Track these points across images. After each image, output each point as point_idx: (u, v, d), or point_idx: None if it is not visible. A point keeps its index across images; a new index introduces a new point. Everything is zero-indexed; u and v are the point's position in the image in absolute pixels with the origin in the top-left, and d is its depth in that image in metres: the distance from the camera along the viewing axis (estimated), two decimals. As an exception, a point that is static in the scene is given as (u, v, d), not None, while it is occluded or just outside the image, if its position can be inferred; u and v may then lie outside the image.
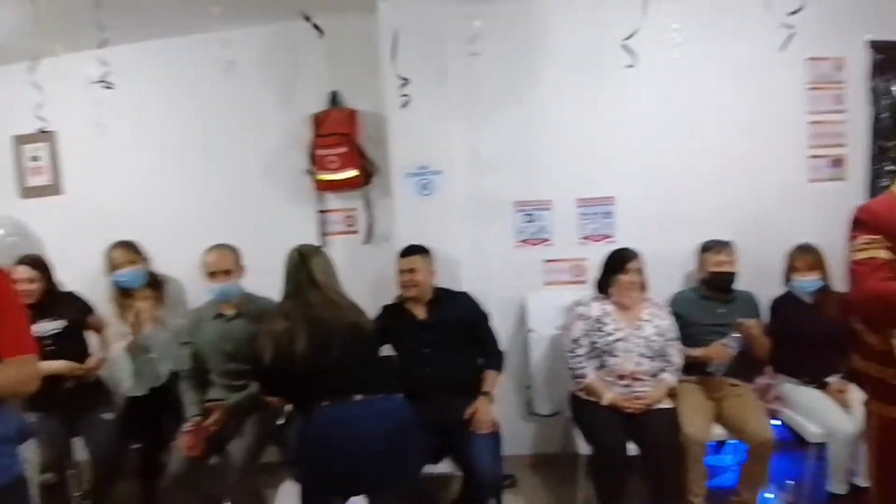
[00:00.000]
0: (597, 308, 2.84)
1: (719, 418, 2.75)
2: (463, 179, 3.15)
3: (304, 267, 2.38)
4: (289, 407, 2.61)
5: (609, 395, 2.71)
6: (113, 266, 3.04)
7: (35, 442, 2.71)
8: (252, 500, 2.67)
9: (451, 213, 3.16)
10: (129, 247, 3.08)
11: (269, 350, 2.23)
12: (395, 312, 2.89)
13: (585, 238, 3.32)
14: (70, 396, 2.92)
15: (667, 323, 2.81)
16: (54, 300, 3.04)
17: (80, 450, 3.01)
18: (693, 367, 2.83)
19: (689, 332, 2.87)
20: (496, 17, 3.16)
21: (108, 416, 2.99)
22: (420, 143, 3.08)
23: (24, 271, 2.96)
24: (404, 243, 3.09)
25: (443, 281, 2.96)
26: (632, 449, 2.63)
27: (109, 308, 3.09)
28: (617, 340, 2.75)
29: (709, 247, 2.99)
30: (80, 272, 3.42)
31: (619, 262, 2.82)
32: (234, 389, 2.81)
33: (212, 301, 2.89)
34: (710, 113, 3.19)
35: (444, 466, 2.74)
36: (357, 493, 2.27)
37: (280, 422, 2.74)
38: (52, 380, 2.84)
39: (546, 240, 3.36)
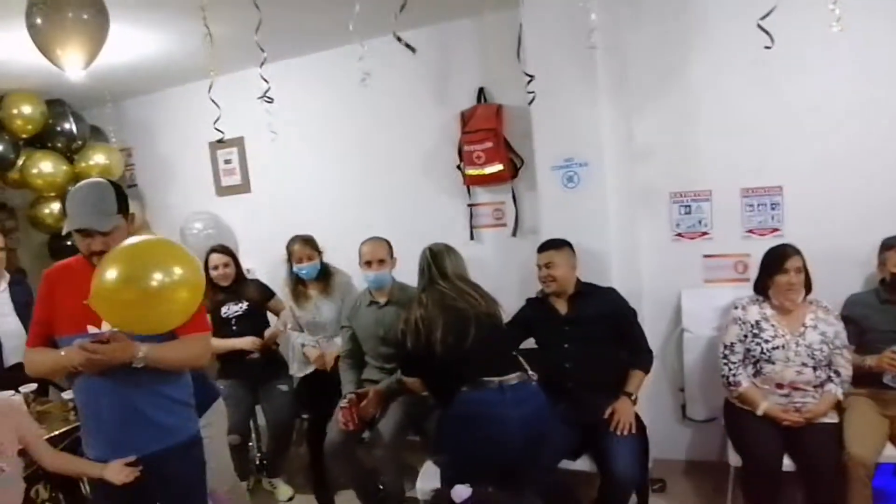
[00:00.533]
0: (754, 311, 2.73)
1: (893, 437, 2.51)
2: (611, 170, 3.14)
3: (436, 263, 2.67)
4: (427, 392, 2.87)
5: (765, 405, 2.61)
6: (293, 258, 3.51)
7: (225, 406, 3.30)
8: (399, 473, 3.00)
9: (599, 206, 3.16)
10: (307, 242, 3.53)
11: (410, 336, 2.52)
12: (537, 306, 3.01)
13: (750, 231, 3.17)
14: (254, 367, 3.51)
15: (834, 329, 2.62)
16: (240, 285, 3.63)
17: (260, 417, 3.59)
18: (865, 378, 2.62)
19: (866, 339, 2.66)
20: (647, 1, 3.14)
21: (284, 387, 3.54)
22: (565, 134, 3.13)
23: (218, 258, 3.58)
24: (550, 236, 3.20)
25: (591, 276, 3.01)
26: (787, 464, 2.52)
27: (285, 293, 3.60)
28: (775, 348, 2.63)
29: (891, 244, 2.70)
30: (264, 259, 4.04)
31: (776, 260, 2.67)
32: (386, 371, 3.17)
33: (367, 289, 3.25)
34: (890, 92, 2.86)
35: (584, 464, 2.84)
36: (495, 479, 2.45)
37: (421, 410, 3.03)
38: (239, 353, 3.44)
39: (705, 233, 3.27)
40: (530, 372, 2.54)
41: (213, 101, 2.84)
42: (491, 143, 3.45)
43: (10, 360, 3.20)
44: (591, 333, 2.82)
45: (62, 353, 2.00)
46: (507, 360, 2.52)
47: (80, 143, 4.30)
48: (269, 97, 2.69)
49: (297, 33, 3.57)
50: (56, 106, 4.20)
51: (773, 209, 3.09)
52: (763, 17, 2.06)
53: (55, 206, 4.24)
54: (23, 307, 3.21)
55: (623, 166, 3.23)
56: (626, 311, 2.89)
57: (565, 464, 2.94)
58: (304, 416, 3.59)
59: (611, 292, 2.93)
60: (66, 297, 2.09)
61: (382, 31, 3.67)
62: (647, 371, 2.86)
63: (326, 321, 3.50)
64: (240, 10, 2.49)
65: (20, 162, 4.08)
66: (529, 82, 2.59)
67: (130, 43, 3.38)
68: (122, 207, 2.09)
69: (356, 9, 2.34)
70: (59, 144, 4.20)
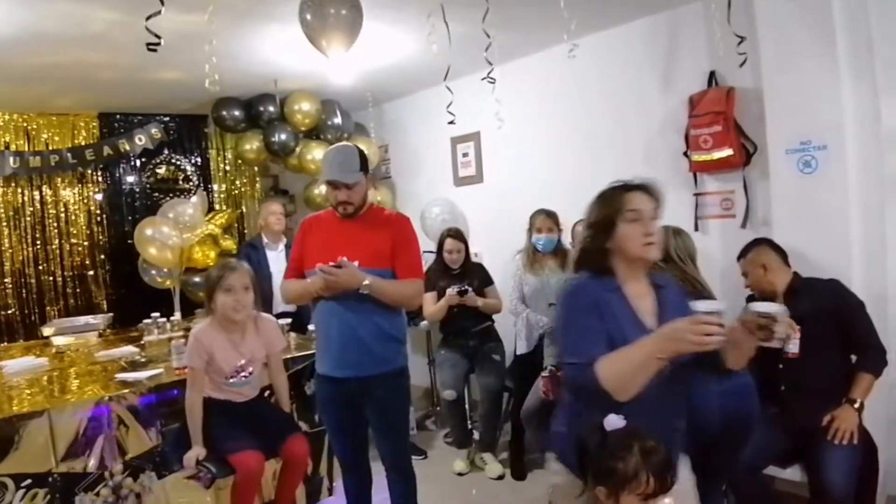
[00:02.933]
0: None
1: None
2: (855, 155, 3.00)
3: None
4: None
5: None
6: (533, 228, 3.96)
7: (442, 366, 4.04)
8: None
9: (840, 195, 3.03)
10: (550, 215, 3.96)
11: None
12: None
13: None
14: (472, 339, 4.10)
15: None
16: (466, 270, 4.17)
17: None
18: None
19: None
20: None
21: (497, 357, 4.04)
22: (801, 114, 3.08)
23: (452, 243, 4.15)
24: (782, 228, 3.17)
25: (828, 272, 2.91)
26: None
27: (520, 260, 4.05)
28: None
29: None
30: (490, 244, 4.55)
31: None
32: (590, 350, 3.38)
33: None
34: None
35: (794, 475, 2.76)
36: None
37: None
38: (459, 327, 4.05)
39: (976, 231, 2.94)
40: None
41: (448, 88, 3.40)
42: (720, 126, 3.48)
43: (280, 308, 4.15)
44: (808, 332, 2.70)
45: (308, 280, 2.64)
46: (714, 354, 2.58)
47: (346, 136, 5.26)
48: (491, 78, 3.12)
49: (523, 32, 4.04)
50: (329, 105, 5.20)
51: None
52: None
53: (324, 188, 5.22)
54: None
55: (869, 150, 3.05)
56: (846, 303, 2.74)
57: (774, 471, 2.90)
58: (510, 385, 4.02)
59: (830, 284, 2.80)
60: (315, 239, 2.77)
61: (610, 24, 4.01)
62: (877, 374, 2.67)
63: (551, 293, 3.80)
64: (475, 9, 2.97)
65: (298, 150, 5.14)
66: (740, 43, 2.63)
67: (388, 44, 4.12)
68: (364, 167, 2.68)
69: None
70: (330, 136, 5.18)
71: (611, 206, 1.96)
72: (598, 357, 1.76)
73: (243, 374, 2.70)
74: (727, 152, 3.49)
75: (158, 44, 2.17)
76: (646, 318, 1.91)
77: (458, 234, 4.23)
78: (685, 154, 3.73)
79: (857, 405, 2.62)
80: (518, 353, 4.00)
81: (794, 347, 2.70)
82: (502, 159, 4.90)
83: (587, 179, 4.23)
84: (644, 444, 1.62)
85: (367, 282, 2.52)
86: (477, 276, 4.19)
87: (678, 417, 1.95)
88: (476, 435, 4.10)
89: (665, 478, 1.59)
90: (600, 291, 1.91)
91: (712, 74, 3.62)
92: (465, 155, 5.13)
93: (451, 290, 3.95)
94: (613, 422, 1.80)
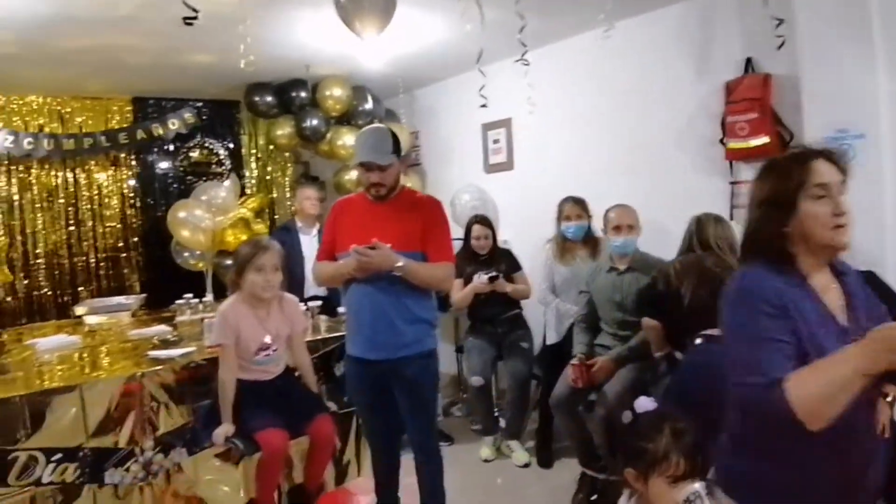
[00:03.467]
0: None
1: None
2: (893, 144, 2.92)
3: (700, 231, 2.92)
4: (661, 353, 3.02)
5: None
6: (562, 217, 3.96)
7: (470, 353, 4.07)
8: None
9: (876, 184, 2.95)
10: (578, 202, 3.97)
11: (661, 281, 2.86)
12: None
13: None
14: (500, 326, 4.12)
15: None
16: (494, 256, 4.17)
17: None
18: None
19: None
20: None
21: (525, 344, 4.04)
22: (837, 102, 3.01)
23: (479, 229, 4.16)
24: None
25: (865, 262, 2.85)
26: None
27: (549, 249, 4.05)
28: None
29: None
30: (519, 231, 4.53)
31: None
32: (619, 338, 3.38)
33: (610, 254, 3.50)
34: None
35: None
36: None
37: (650, 376, 3.19)
38: (488, 315, 4.08)
39: None
40: None
41: (480, 71, 3.38)
42: (756, 113, 3.43)
43: (310, 292, 4.17)
44: None
45: (341, 262, 2.67)
46: None
47: (377, 122, 5.26)
48: (525, 60, 3.10)
49: (555, 16, 4.00)
50: (360, 91, 5.23)
51: None
52: None
53: (354, 174, 5.25)
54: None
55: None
56: (882, 295, 2.62)
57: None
58: (538, 373, 4.04)
59: (867, 275, 2.71)
60: (346, 222, 2.79)
61: (643, 10, 3.96)
62: None
63: (581, 282, 3.76)
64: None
65: (329, 136, 5.17)
66: (778, 25, 2.58)
67: (420, 29, 4.10)
68: (396, 150, 2.70)
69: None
70: (360, 122, 5.19)
71: (790, 178, 1.56)
72: (785, 375, 1.43)
73: (267, 351, 2.74)
74: (763, 140, 3.43)
75: (195, 17, 2.18)
76: (838, 316, 1.59)
77: (484, 220, 4.24)
78: (721, 141, 3.68)
79: (889, 399, 2.56)
80: (548, 342, 4.02)
81: None
82: (533, 146, 4.87)
83: (619, 167, 4.30)
84: (675, 426, 1.61)
85: (400, 263, 2.54)
86: (505, 262, 4.19)
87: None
88: (502, 422, 4.11)
89: (695, 460, 1.57)
90: (786, 287, 1.54)
91: (749, 61, 3.55)
92: (496, 141, 5.11)
93: (481, 277, 3.95)
94: (644, 403, 1.80)
